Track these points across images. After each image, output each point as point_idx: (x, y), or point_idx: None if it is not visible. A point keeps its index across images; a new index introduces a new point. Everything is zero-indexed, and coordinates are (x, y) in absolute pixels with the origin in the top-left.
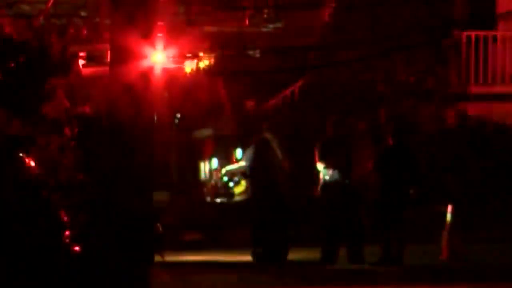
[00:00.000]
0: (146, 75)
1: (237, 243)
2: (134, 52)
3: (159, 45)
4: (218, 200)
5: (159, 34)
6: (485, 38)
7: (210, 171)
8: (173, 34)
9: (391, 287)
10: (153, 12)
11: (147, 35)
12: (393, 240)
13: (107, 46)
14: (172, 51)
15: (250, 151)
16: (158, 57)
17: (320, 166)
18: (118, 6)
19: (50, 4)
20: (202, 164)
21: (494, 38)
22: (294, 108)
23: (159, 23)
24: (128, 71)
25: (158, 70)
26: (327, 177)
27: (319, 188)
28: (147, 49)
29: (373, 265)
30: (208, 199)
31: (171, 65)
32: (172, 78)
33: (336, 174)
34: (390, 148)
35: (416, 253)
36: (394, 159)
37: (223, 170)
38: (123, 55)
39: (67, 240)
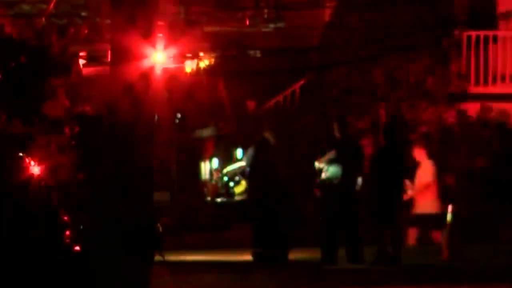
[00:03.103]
0: (147, 75)
1: (237, 243)
2: (134, 52)
3: (160, 45)
4: (219, 199)
5: (160, 34)
6: (485, 38)
7: (211, 171)
8: (174, 34)
9: (391, 287)
10: (153, 12)
11: (148, 35)
12: (389, 240)
13: (108, 46)
14: (173, 51)
15: (250, 151)
16: (158, 57)
17: (321, 165)
18: (118, 6)
19: (51, 4)
20: (202, 164)
21: (495, 38)
22: (294, 108)
23: (160, 23)
24: (128, 71)
25: (158, 70)
26: (325, 176)
27: (319, 188)
28: (147, 49)
29: (370, 265)
30: (209, 199)
31: (172, 65)
32: (173, 78)
33: (339, 174)
34: (383, 148)
35: (416, 253)
36: (387, 158)
37: (224, 170)
38: (123, 55)
39: (67, 240)
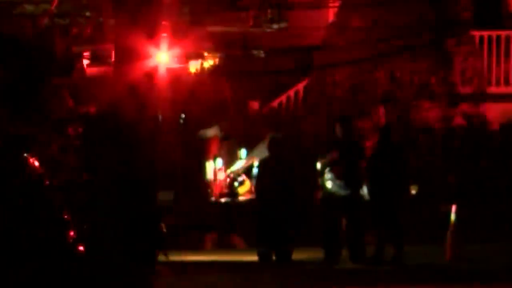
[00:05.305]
0: (151, 75)
1: (241, 243)
2: (138, 52)
3: (164, 45)
4: (223, 200)
5: (164, 34)
6: (490, 38)
7: (215, 171)
8: (178, 34)
9: (394, 287)
10: (157, 12)
11: (151, 35)
12: (390, 240)
13: (111, 45)
14: (177, 51)
15: (260, 149)
16: (162, 57)
17: (323, 165)
18: (122, 6)
19: (54, 4)
20: (207, 164)
21: (498, 38)
22: (297, 108)
23: (164, 23)
24: (132, 71)
25: (162, 70)
26: (329, 185)
27: (322, 188)
28: (151, 49)
29: (365, 264)
30: (213, 199)
31: (176, 65)
32: (177, 78)
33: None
34: (381, 148)
35: (419, 254)
36: (385, 158)
37: (228, 171)
38: (127, 55)
39: (71, 240)
